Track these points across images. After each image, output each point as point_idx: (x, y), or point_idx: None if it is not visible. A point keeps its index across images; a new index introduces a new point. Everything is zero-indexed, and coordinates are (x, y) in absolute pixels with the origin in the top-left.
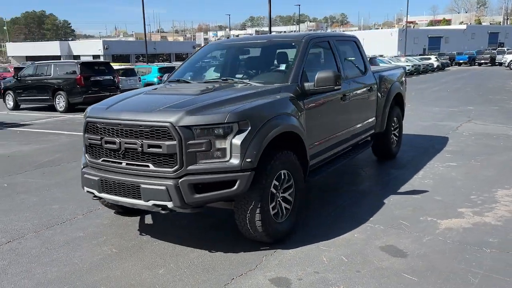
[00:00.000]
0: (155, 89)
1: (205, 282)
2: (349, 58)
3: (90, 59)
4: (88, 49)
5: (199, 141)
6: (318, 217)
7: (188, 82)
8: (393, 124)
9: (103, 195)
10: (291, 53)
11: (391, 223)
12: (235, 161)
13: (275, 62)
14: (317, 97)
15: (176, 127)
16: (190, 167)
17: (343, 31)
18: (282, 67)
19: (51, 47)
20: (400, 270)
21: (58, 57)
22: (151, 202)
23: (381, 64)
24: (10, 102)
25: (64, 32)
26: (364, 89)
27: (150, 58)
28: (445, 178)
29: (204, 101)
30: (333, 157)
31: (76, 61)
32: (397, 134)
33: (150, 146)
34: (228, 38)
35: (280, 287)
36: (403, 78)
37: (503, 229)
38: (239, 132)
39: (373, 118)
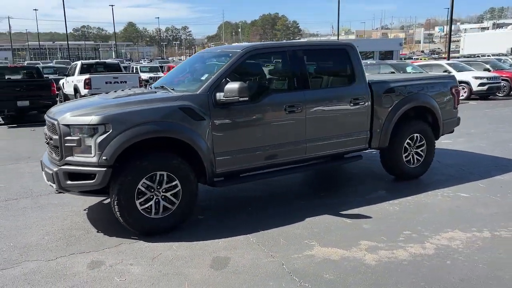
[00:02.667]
0: (115, 92)
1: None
2: (324, 68)
3: None
4: None
5: (73, 138)
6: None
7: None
8: (409, 142)
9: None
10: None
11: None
12: (94, 158)
13: (209, 71)
14: (234, 107)
15: (59, 124)
16: (67, 158)
17: None
18: (204, 76)
19: None
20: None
21: None
22: (49, 183)
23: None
24: None
25: (292, 32)
26: (345, 101)
27: None
28: (387, 212)
29: (99, 104)
30: (275, 167)
31: None
32: (421, 153)
33: (51, 139)
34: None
35: (89, 269)
36: (450, 90)
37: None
38: (103, 133)
39: (365, 132)
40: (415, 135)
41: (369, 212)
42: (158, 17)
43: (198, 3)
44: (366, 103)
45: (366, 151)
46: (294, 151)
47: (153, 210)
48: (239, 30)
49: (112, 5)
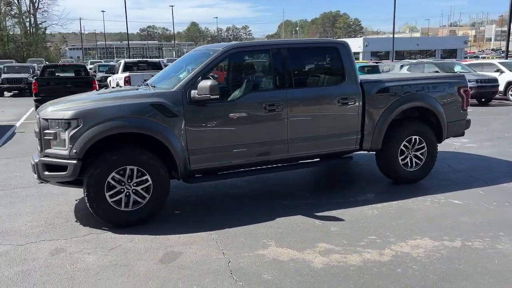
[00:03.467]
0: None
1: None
2: (312, 67)
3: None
4: (354, 47)
5: (50, 131)
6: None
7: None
8: (407, 144)
9: None
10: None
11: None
12: (67, 150)
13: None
14: (210, 105)
15: (40, 118)
16: (46, 150)
17: None
18: (183, 74)
19: None
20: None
21: None
22: (35, 175)
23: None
24: None
25: (354, 30)
26: (332, 100)
27: (413, 54)
28: (364, 215)
29: (81, 100)
30: (257, 166)
31: None
32: (421, 157)
33: (35, 132)
34: None
35: (50, 255)
36: (458, 91)
37: None
38: (75, 127)
39: (355, 133)
40: (414, 137)
41: (345, 214)
42: (217, 17)
43: (259, 2)
44: (356, 103)
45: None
46: (275, 150)
47: (123, 203)
48: (297, 28)
49: (172, 6)
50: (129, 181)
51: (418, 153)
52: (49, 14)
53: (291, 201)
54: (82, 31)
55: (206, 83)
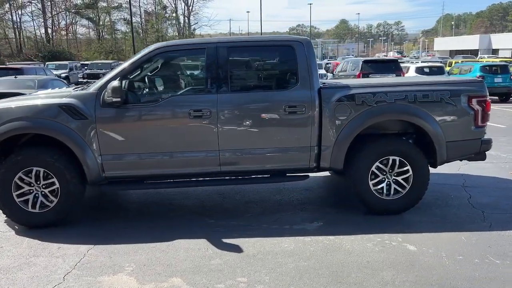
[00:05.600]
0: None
1: None
2: (257, 68)
3: (509, 53)
4: (509, 42)
5: None
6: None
7: None
8: (380, 166)
9: None
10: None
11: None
12: None
13: None
14: (125, 108)
15: None
16: None
17: None
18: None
19: (471, 41)
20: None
21: (475, 51)
22: None
23: None
24: None
25: None
26: (276, 107)
27: None
28: (269, 250)
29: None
30: (186, 177)
31: (361, 58)
32: (403, 183)
33: None
34: None
35: None
36: (468, 101)
37: None
38: None
39: (307, 148)
40: (392, 158)
41: (255, 245)
42: (359, 13)
43: None
44: (309, 112)
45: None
46: (203, 162)
47: (30, 204)
48: (456, 22)
49: (310, 4)
50: (38, 183)
51: (399, 178)
52: (199, 15)
53: (218, 220)
54: (230, 31)
55: (111, 85)
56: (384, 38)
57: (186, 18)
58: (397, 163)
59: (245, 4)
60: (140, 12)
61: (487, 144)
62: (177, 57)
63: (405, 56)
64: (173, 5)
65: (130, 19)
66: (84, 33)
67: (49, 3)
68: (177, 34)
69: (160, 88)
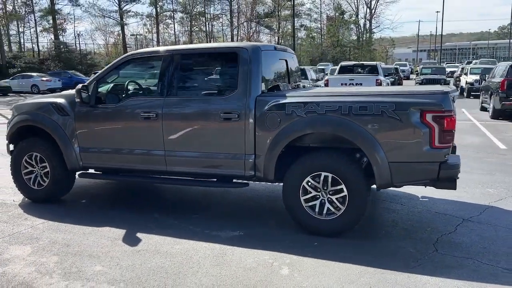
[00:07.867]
0: None
1: None
2: (201, 75)
3: None
4: None
5: None
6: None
7: None
8: (312, 182)
9: None
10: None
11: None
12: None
13: None
14: (93, 108)
15: None
16: None
17: None
18: None
19: None
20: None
21: None
22: None
23: None
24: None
25: None
26: (212, 114)
27: None
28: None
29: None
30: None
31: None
32: (337, 204)
33: None
34: None
35: None
36: (421, 117)
37: None
38: (12, 116)
39: (241, 156)
40: (324, 174)
41: (154, 243)
42: None
43: None
44: (242, 120)
45: None
46: (152, 161)
47: (31, 182)
48: None
49: None
50: (36, 166)
51: (334, 198)
52: (381, 18)
53: (184, 221)
54: (418, 33)
55: (77, 87)
56: None
57: (367, 21)
58: (329, 180)
59: (436, 5)
60: (321, 18)
61: (450, 169)
62: (141, 64)
63: None
64: (355, 9)
65: (292, 25)
66: (266, 40)
67: (236, 14)
68: (355, 38)
69: (123, 91)
